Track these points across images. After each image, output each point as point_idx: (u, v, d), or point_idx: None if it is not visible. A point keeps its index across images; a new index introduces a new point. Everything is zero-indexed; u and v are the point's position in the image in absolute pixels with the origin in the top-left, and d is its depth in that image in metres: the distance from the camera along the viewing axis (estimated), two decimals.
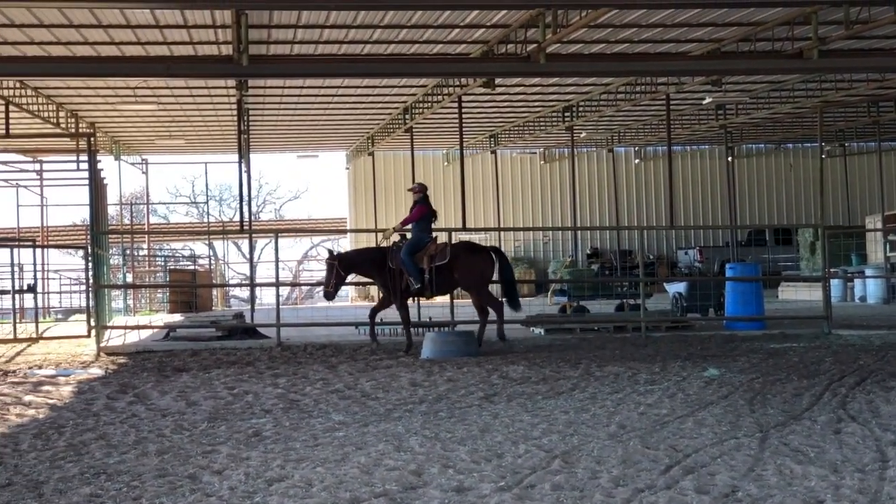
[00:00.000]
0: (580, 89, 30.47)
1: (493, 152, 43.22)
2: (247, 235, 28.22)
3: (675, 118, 35.12)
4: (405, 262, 18.22)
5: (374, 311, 19.01)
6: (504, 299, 18.99)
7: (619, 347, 18.63)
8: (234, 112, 28.91)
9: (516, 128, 38.25)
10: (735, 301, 22.50)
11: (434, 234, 18.97)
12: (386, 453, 8.89)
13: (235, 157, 29.36)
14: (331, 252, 19.31)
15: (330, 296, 19.11)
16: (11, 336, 23.11)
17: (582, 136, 40.17)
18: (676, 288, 25.54)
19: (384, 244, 19.46)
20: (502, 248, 20.34)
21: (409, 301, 19.27)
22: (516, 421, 10.50)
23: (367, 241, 20.13)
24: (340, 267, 18.71)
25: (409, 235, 18.87)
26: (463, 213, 29.29)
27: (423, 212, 18.61)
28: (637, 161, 47.19)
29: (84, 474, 8.41)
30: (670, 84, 28.26)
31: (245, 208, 29.06)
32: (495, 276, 19.17)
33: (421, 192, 18.78)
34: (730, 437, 9.33)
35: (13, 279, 25.00)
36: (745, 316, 22.17)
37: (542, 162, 46.77)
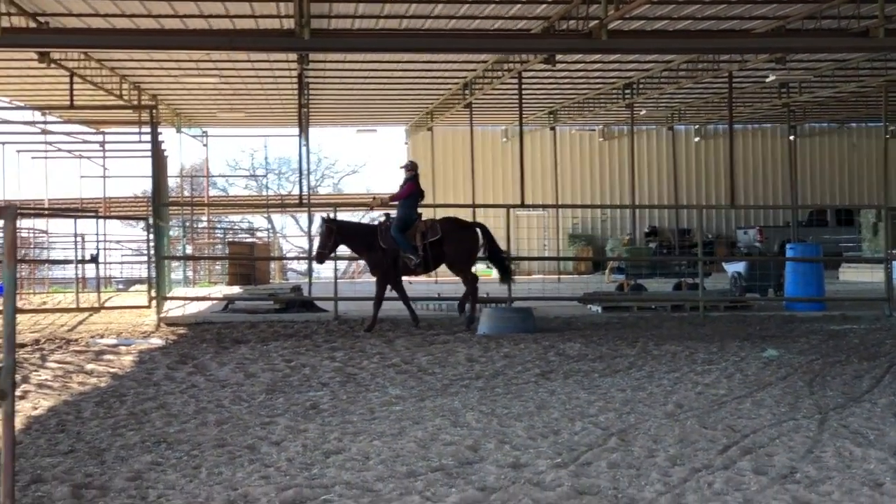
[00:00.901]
0: (641, 66, 30.22)
1: (553, 129, 43.00)
2: (305, 209, 28.31)
3: (737, 96, 34.71)
4: (398, 240, 18.32)
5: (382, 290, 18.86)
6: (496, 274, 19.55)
7: (676, 326, 18.55)
8: (295, 86, 29.02)
9: (576, 104, 38.04)
10: (795, 282, 22.31)
11: (420, 212, 19.09)
12: (442, 428, 8.93)
13: (295, 130, 29.59)
14: (327, 217, 19.37)
15: (323, 258, 19.22)
16: (74, 305, 23.47)
17: (642, 113, 39.87)
18: (735, 267, 25.35)
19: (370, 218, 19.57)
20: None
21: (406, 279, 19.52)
22: (573, 398, 10.51)
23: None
24: (337, 233, 18.81)
25: (392, 214, 18.92)
26: (521, 190, 29.23)
27: (412, 189, 18.74)
28: (697, 139, 46.77)
29: (145, 442, 8.53)
30: (733, 61, 27.95)
31: (304, 182, 29.21)
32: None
33: (412, 171, 18.91)
34: (788, 418, 9.27)
35: (76, 249, 25.39)
36: (805, 297, 21.97)
37: (601, 139, 46.49)
